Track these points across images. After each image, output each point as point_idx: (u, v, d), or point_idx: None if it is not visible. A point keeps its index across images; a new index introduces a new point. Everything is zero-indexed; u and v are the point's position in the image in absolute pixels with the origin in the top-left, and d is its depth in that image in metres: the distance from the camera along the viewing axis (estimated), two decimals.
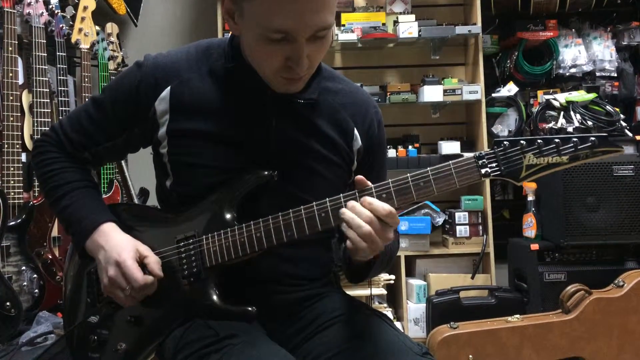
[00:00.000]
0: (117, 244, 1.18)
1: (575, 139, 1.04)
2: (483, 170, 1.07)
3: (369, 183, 1.10)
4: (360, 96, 1.32)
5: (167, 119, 1.20)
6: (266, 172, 1.18)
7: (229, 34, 1.24)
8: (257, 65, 1.15)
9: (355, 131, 1.27)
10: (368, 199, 1.06)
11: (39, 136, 2.34)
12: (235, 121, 1.21)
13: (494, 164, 1.06)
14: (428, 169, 1.08)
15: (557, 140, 1.04)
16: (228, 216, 1.18)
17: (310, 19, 1.03)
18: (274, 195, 1.20)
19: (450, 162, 1.08)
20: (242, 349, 1.07)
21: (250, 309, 1.15)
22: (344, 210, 1.06)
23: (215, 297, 1.17)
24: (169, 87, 1.20)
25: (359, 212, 1.05)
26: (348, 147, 1.27)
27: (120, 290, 1.16)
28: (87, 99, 2.76)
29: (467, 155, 1.10)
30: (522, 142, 1.05)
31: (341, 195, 1.10)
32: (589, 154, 1.04)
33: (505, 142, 1.06)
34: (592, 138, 1.04)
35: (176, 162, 1.23)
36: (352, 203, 1.06)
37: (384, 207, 1.05)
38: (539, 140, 1.05)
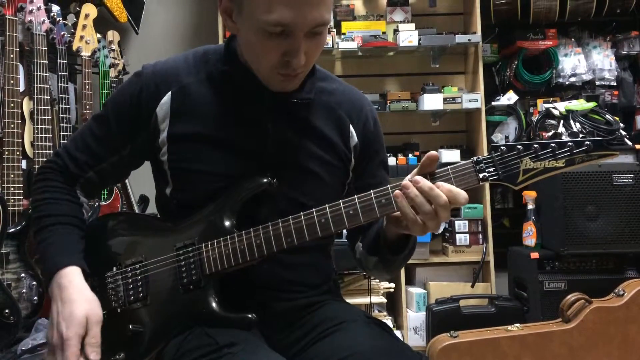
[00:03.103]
0: (70, 306, 1.14)
1: (571, 144, 1.05)
2: (481, 175, 1.07)
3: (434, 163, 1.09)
4: (355, 94, 1.34)
5: (167, 124, 1.21)
6: (265, 180, 1.18)
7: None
8: (254, 61, 1.16)
9: (351, 128, 1.28)
10: (446, 185, 1.05)
11: (41, 151, 2.35)
12: (232, 124, 1.21)
13: (491, 169, 1.07)
14: (427, 173, 1.08)
15: (553, 144, 1.05)
16: (227, 224, 1.18)
17: (309, 12, 1.05)
18: (272, 199, 1.20)
19: (448, 167, 1.08)
20: (242, 357, 1.06)
21: (249, 316, 1.15)
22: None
23: (214, 305, 1.16)
24: (169, 93, 1.21)
25: (436, 196, 1.04)
26: (345, 146, 1.28)
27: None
28: (87, 106, 2.79)
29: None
30: (519, 146, 1.06)
31: (340, 201, 1.11)
32: (585, 158, 1.05)
33: (502, 147, 1.07)
34: (587, 142, 1.04)
35: (175, 168, 1.23)
36: (428, 184, 1.05)
37: (461, 194, 1.05)
38: (535, 145, 1.06)
